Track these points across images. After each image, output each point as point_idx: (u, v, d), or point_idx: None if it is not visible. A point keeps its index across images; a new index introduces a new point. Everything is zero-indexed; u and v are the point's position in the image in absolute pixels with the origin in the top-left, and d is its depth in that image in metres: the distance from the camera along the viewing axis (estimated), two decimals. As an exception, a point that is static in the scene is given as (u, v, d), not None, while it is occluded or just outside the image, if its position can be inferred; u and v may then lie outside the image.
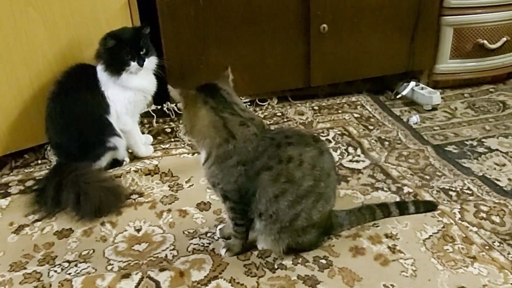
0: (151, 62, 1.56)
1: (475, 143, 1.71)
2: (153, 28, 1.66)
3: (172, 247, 1.23)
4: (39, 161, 1.64)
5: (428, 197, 1.39)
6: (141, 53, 1.52)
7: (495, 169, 1.54)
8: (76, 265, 1.19)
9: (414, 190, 1.43)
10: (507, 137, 1.74)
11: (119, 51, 1.48)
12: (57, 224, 1.34)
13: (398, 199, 1.39)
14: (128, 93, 1.53)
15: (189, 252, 1.21)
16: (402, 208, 1.30)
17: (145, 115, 1.82)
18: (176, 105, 1.84)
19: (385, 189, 1.44)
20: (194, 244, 1.23)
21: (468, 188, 1.42)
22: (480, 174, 1.51)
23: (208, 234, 1.27)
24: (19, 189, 1.50)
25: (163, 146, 1.71)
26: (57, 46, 1.57)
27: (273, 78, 1.92)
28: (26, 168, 1.61)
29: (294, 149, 1.10)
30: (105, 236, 1.29)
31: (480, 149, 1.67)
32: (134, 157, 1.65)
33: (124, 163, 1.60)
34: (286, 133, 1.16)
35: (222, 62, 1.82)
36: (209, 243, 1.24)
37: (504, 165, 1.57)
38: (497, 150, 1.66)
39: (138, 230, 1.31)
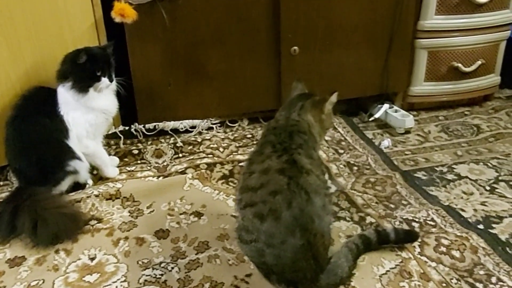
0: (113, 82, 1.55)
1: (445, 169, 1.69)
2: (119, 48, 1.65)
3: (124, 278, 1.20)
4: (1, 183, 1.61)
5: (390, 229, 1.37)
6: (110, 70, 1.51)
7: (462, 198, 1.53)
8: (23, 297, 1.16)
9: (377, 220, 1.40)
10: (477, 164, 1.72)
11: (90, 67, 1.47)
12: (10, 251, 1.31)
13: (359, 230, 1.37)
14: (89, 115, 1.51)
15: (140, 284, 1.18)
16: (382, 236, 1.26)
17: (112, 136, 1.80)
18: (143, 126, 1.82)
19: (347, 218, 1.42)
20: (146, 276, 1.21)
21: (432, 219, 1.40)
22: (446, 203, 1.49)
23: (162, 265, 1.24)
24: (-23, 212, 1.48)
25: (129, 169, 1.69)
26: (21, 68, 1.54)
27: (244, 99, 1.90)
28: (-10, 189, 1.59)
29: None
30: (58, 265, 1.26)
31: (450, 176, 1.65)
32: (99, 179, 1.62)
33: (87, 186, 1.57)
34: None
35: (191, 82, 1.81)
36: (162, 274, 1.21)
37: (471, 193, 1.55)
38: (466, 177, 1.64)
39: (92, 259, 1.28)
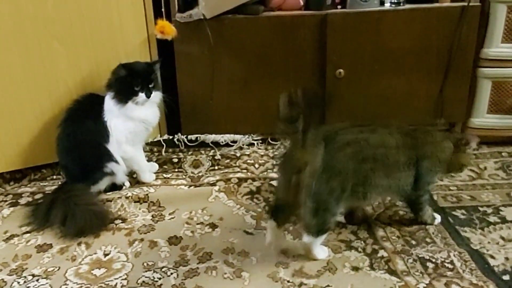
0: (157, 96, 1.65)
1: (489, 211, 1.54)
2: (170, 63, 1.77)
3: (125, 276, 1.28)
4: (54, 177, 1.79)
5: (401, 265, 1.29)
6: (150, 86, 1.62)
7: (497, 243, 1.38)
8: (37, 280, 1.28)
9: (389, 255, 1.33)
10: (530, 208, 1.55)
11: (129, 82, 1.59)
12: (42, 238, 1.46)
13: (367, 262, 1.31)
14: (129, 124, 1.63)
15: (138, 284, 1.25)
16: None
17: (156, 144, 1.92)
18: (186, 137, 1.91)
19: (359, 249, 1.36)
20: (146, 277, 1.27)
21: (451, 262, 1.29)
22: (477, 247, 1.36)
23: (164, 269, 1.30)
24: (27, 200, 1.67)
25: (165, 175, 1.78)
26: (78, 76, 1.72)
27: (286, 118, 1.91)
28: (41, 181, 1.77)
29: None
30: (76, 256, 1.37)
31: (492, 218, 1.50)
32: (136, 182, 1.74)
33: (124, 187, 1.70)
34: None
35: (234, 98, 1.87)
36: (160, 278, 1.26)
37: (511, 240, 1.40)
38: (511, 222, 1.49)
39: (106, 255, 1.37)
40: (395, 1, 1.78)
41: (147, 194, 1.64)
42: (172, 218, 1.54)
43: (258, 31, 1.76)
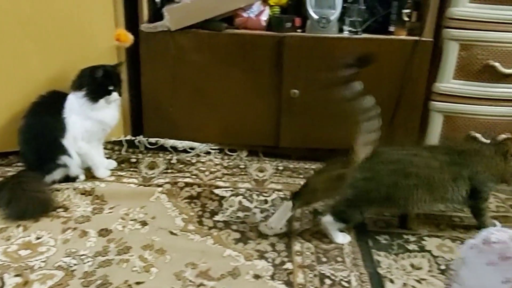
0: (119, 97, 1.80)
1: (412, 239, 1.58)
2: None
3: (45, 259, 1.38)
4: (19, 164, 1.94)
5: (300, 278, 1.35)
6: (120, 85, 1.78)
7: (404, 269, 1.42)
8: (-32, 254, 1.41)
9: (294, 268, 1.40)
10: (454, 241, 1.58)
11: (104, 82, 1.73)
12: (-13, 219, 1.60)
13: (270, 272, 1.37)
14: (87, 122, 1.76)
15: (53, 267, 1.35)
16: None
17: (119, 143, 2.04)
18: (147, 140, 2.03)
19: (269, 260, 1.43)
20: (63, 262, 1.37)
21: (348, 281, 1.35)
22: (382, 271, 1.41)
23: (82, 257, 1.40)
24: (-12, 183, 1.81)
25: (120, 173, 1.90)
26: (48, 74, 1.86)
27: (243, 131, 2.00)
28: (6, 167, 1.91)
29: None
30: (11, 236, 1.49)
31: (412, 246, 1.54)
32: (92, 177, 1.86)
33: (78, 180, 1.82)
34: None
35: (194, 108, 1.98)
36: (75, 264, 1.37)
37: (419, 268, 1.44)
38: (429, 251, 1.52)
39: (38, 238, 1.48)
40: (353, 30, 1.86)
41: (93, 188, 1.76)
42: (110, 212, 1.64)
43: (220, 47, 1.87)
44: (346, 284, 1.34)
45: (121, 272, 1.35)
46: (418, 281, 1.37)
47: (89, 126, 1.77)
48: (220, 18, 1.87)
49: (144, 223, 1.59)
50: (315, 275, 1.37)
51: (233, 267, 1.39)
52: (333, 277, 1.36)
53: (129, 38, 1.77)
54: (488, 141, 1.64)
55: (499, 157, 1.52)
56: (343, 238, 1.54)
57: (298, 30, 1.89)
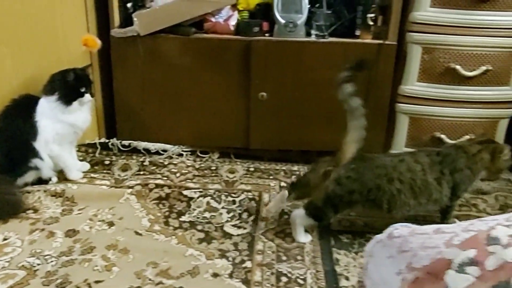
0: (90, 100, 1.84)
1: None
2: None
3: (10, 259, 1.42)
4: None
5: (257, 277, 1.39)
6: (91, 87, 1.82)
7: (361, 267, 1.46)
8: None
9: (253, 266, 1.43)
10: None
11: (76, 84, 1.78)
12: (-42, 218, 1.63)
13: (229, 271, 1.41)
14: (58, 126, 1.79)
15: (17, 267, 1.39)
16: None
17: (93, 145, 2.08)
18: (120, 142, 2.07)
19: (230, 259, 1.47)
20: (27, 262, 1.41)
21: (304, 279, 1.39)
22: (339, 269, 1.45)
23: (47, 257, 1.44)
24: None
25: (93, 175, 1.93)
26: (22, 77, 1.89)
27: (213, 134, 2.04)
28: (-19, 170, 1.96)
29: None
30: (-22, 237, 1.54)
31: (372, 245, 1.58)
32: (64, 179, 1.90)
33: (50, 182, 1.86)
34: None
35: (165, 111, 2.02)
36: (39, 264, 1.40)
37: (376, 266, 1.48)
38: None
39: (5, 239, 1.52)
40: (320, 34, 1.90)
41: (64, 190, 1.79)
42: (79, 213, 1.68)
43: (188, 51, 1.91)
44: (301, 282, 1.38)
45: (82, 271, 1.38)
46: (372, 278, 1.41)
47: (60, 129, 1.80)
48: (189, 23, 1.91)
49: (111, 224, 1.62)
50: (272, 273, 1.41)
51: (193, 266, 1.43)
52: (289, 275, 1.40)
53: (96, 43, 1.81)
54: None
55: (484, 155, 1.56)
56: (305, 238, 1.58)
57: (266, 34, 1.93)
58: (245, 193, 1.85)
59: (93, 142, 2.09)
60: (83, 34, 1.92)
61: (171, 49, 1.91)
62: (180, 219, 1.67)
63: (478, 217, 1.74)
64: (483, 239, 0.66)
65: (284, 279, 1.38)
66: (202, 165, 2.05)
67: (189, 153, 2.09)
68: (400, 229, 0.85)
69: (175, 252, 1.50)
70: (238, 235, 1.60)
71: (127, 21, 1.94)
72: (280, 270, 1.42)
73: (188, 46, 1.91)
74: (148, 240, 1.55)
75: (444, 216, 1.65)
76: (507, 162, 1.60)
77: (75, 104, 1.79)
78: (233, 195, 1.83)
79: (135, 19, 1.85)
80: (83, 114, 1.84)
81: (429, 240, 0.73)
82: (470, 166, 1.55)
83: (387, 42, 1.85)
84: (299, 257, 1.49)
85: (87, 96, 1.80)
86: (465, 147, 1.58)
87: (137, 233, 1.58)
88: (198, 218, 1.68)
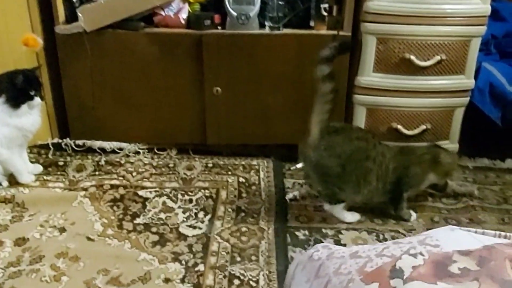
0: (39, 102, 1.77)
1: (330, 233, 1.62)
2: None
3: (-47, 273, 1.39)
4: None
5: (210, 280, 1.38)
6: (41, 90, 1.76)
7: None
8: None
9: (206, 270, 1.42)
10: (370, 233, 1.63)
11: (25, 87, 1.70)
12: None
13: (181, 275, 1.40)
14: (4, 129, 1.72)
15: (-42, 279, 1.36)
16: None
17: (46, 146, 2.02)
18: (74, 142, 2.01)
19: (183, 262, 1.45)
20: (-30, 273, 1.38)
21: (256, 281, 1.38)
22: (282, 268, 1.44)
23: (-6, 267, 1.41)
24: None
25: (46, 178, 1.88)
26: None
27: (169, 130, 2.00)
28: None
29: None
30: None
31: (328, 241, 1.58)
32: (16, 182, 1.84)
33: (0, 186, 1.79)
34: None
35: (118, 108, 1.96)
36: (-16, 276, 1.37)
37: (331, 263, 1.47)
38: (344, 246, 1.56)
39: (-50, 251, 1.48)
40: (273, 25, 1.86)
41: (14, 195, 1.74)
42: (30, 220, 1.63)
43: (138, 47, 1.85)
44: (254, 284, 1.37)
45: (30, 283, 1.35)
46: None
47: (8, 132, 1.74)
48: (138, 17, 1.84)
49: (62, 230, 1.58)
50: (224, 276, 1.40)
51: (145, 271, 1.41)
52: (242, 277, 1.39)
53: (38, 42, 1.74)
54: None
55: (428, 156, 1.66)
56: (351, 217, 1.68)
57: (219, 27, 1.88)
58: (203, 190, 1.83)
59: (45, 143, 2.02)
60: (27, 32, 1.84)
61: (120, 45, 1.84)
62: (135, 221, 1.64)
63: (434, 207, 1.78)
64: (387, 271, 0.65)
65: (236, 281, 1.38)
66: (160, 162, 2.01)
67: (146, 150, 2.05)
68: (320, 250, 0.83)
69: (127, 257, 1.47)
70: (193, 236, 1.58)
71: (72, 16, 1.86)
72: (233, 272, 1.41)
73: (138, 42, 1.84)
74: (100, 245, 1.52)
75: (395, 207, 1.69)
76: (451, 165, 1.69)
77: (24, 107, 1.72)
78: (190, 193, 1.81)
79: (79, 14, 1.78)
80: (32, 117, 1.77)
81: (344, 266, 0.72)
82: (415, 165, 1.64)
83: (342, 33, 1.82)
84: (253, 257, 1.48)
85: (37, 99, 1.73)
86: (416, 148, 1.70)
87: (89, 238, 1.55)
88: (153, 219, 1.65)
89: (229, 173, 1.96)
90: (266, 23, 1.87)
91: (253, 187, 1.87)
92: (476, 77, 1.89)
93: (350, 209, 1.69)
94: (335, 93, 1.54)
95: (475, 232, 0.80)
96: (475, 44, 1.80)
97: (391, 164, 1.62)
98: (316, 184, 1.70)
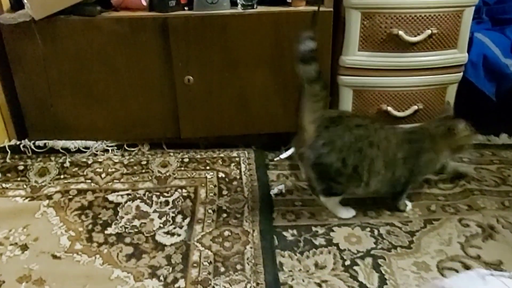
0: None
1: (321, 231, 1.49)
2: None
3: None
4: None
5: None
6: None
7: (307, 271, 1.33)
8: None
9: (187, 285, 1.28)
10: (364, 229, 1.50)
11: None
12: None
13: (159, 295, 1.26)
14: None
15: None
16: None
17: (2, 149, 1.83)
18: (34, 143, 1.82)
19: (161, 278, 1.31)
20: None
21: (243, 294, 1.25)
22: (283, 276, 1.31)
23: None
24: None
25: (4, 185, 1.69)
26: None
27: (138, 125, 1.82)
28: None
29: None
30: None
31: (319, 241, 1.45)
32: (-29, 194, 1.66)
33: (-47, 200, 1.62)
34: None
35: (79, 104, 1.77)
36: None
37: (323, 267, 1.35)
38: (336, 245, 1.43)
39: None
40: (246, 3, 1.67)
41: (-33, 209, 1.56)
42: (-14, 234, 1.47)
43: (96, 34, 1.65)
44: (241, 300, 1.24)
45: (-13, 318, 1.20)
46: (319, 285, 1.28)
47: None
48: (93, 1, 1.64)
49: (24, 247, 1.42)
50: (208, 292, 1.26)
51: (110, 292, 1.26)
52: (227, 292, 1.26)
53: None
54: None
55: (442, 134, 1.50)
56: (347, 213, 1.55)
57: (186, 8, 1.68)
58: (179, 190, 1.67)
59: (1, 145, 1.83)
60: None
61: (75, 34, 1.64)
62: (106, 231, 1.48)
63: (429, 193, 1.66)
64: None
65: (221, 298, 1.24)
66: (131, 160, 1.84)
67: (115, 148, 1.87)
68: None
69: (98, 276, 1.32)
70: (171, 244, 1.43)
71: (19, 3, 1.64)
72: (217, 286, 1.27)
73: (95, 28, 1.64)
74: (67, 264, 1.36)
75: (395, 197, 1.55)
76: (467, 138, 1.52)
77: None
78: (165, 194, 1.65)
79: (25, 1, 1.56)
80: None
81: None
82: (434, 147, 1.49)
83: (322, 9, 1.64)
84: (238, 266, 1.35)
85: None
86: (428, 128, 1.52)
87: (54, 256, 1.38)
88: (126, 228, 1.50)
89: (208, 168, 1.80)
90: (238, 1, 1.68)
91: (234, 183, 1.72)
92: (468, 50, 1.75)
93: (345, 203, 1.56)
94: (327, 89, 1.42)
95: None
96: (468, 15, 1.65)
97: (399, 152, 1.45)
98: (314, 182, 1.53)
